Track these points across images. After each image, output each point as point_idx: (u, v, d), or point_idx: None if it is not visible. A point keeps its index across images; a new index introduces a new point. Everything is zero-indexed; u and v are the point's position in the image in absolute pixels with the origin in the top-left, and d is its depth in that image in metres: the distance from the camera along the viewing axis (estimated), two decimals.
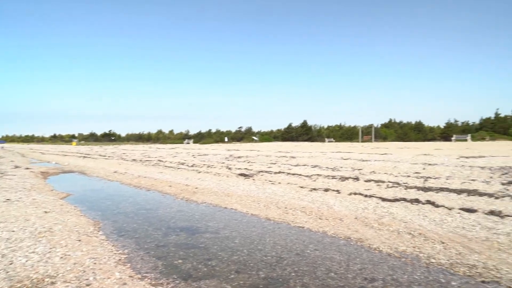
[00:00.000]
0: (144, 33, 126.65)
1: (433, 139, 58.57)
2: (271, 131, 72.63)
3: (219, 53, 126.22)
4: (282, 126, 70.53)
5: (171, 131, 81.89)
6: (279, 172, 10.37)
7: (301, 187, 7.98)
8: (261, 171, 10.87)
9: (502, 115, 58.72)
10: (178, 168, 13.52)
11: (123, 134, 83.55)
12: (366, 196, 6.57)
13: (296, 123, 68.93)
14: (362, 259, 3.71)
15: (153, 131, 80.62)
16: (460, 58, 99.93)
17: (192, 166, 13.99)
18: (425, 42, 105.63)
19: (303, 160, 12.62)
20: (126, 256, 3.83)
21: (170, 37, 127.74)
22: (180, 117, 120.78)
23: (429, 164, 9.20)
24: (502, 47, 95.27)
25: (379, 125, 67.97)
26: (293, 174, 9.79)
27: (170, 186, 9.13)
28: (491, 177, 7.07)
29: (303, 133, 64.82)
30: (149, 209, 6.62)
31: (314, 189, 7.62)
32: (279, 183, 8.76)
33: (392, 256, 3.75)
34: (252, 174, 10.56)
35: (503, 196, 5.71)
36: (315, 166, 10.86)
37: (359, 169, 9.55)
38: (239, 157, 15.99)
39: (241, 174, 10.67)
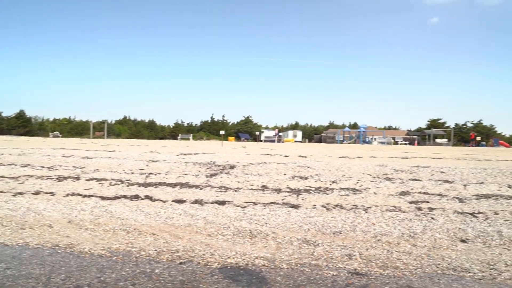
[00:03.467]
0: None
1: (163, 137, 63.66)
2: None
3: None
4: None
5: None
6: None
7: (1, 192, 6.46)
8: None
9: (216, 119, 71.97)
10: None
11: None
12: (85, 196, 6.15)
13: (10, 112, 56.27)
14: (69, 267, 3.37)
15: None
16: (176, 69, 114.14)
17: None
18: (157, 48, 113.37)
19: (9, 158, 10.32)
20: None
21: None
22: None
23: (153, 161, 9.81)
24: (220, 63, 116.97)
25: (114, 122, 66.61)
26: None
27: None
28: (199, 171, 8.39)
29: (20, 125, 53.81)
30: None
31: (20, 193, 6.35)
32: None
33: (104, 257, 3.64)
34: None
35: (205, 187, 6.88)
36: (26, 165, 9.12)
37: (82, 168, 8.85)
38: None
39: None
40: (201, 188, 6.79)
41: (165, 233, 4.36)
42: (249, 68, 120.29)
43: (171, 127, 70.49)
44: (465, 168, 8.94)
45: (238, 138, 62.71)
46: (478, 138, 55.02)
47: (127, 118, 71.45)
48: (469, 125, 63.61)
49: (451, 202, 5.90)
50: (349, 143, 54.05)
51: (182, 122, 72.08)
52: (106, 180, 7.48)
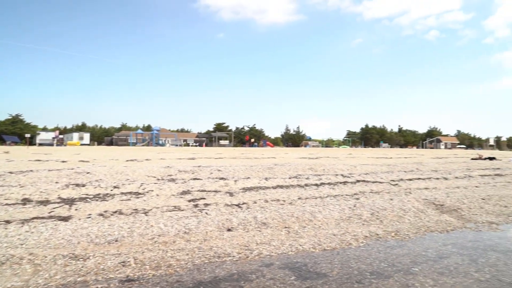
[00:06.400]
0: None
1: None
2: None
3: None
4: None
5: None
6: None
7: None
8: None
9: None
10: None
11: None
12: None
13: None
14: None
15: None
16: None
17: None
18: None
19: None
20: None
21: None
22: None
23: None
24: None
25: None
26: None
27: None
28: None
29: None
30: None
31: None
32: None
33: None
34: None
35: None
36: None
37: None
38: None
39: None
40: None
41: None
42: (18, 56, 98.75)
43: None
44: (238, 166, 10.41)
45: (2, 142, 50.27)
46: (252, 140, 65.78)
47: None
48: (246, 128, 75.00)
49: (223, 196, 6.68)
50: (143, 145, 53.16)
51: None
52: None
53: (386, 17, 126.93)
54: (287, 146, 68.11)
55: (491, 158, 19.15)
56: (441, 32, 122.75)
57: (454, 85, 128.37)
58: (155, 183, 7.37)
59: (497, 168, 13.84)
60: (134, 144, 55.61)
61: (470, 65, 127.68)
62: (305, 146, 66.79)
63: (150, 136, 57.97)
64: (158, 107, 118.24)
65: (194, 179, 8.05)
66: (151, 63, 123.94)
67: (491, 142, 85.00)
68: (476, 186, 9.44)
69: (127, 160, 12.44)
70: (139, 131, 64.92)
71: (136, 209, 5.49)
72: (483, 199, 7.70)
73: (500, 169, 13.55)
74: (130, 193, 6.51)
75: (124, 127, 76.66)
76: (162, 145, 56.08)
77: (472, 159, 19.48)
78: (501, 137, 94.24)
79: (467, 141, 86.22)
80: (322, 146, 68.87)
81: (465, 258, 4.04)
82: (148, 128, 73.13)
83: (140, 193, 6.52)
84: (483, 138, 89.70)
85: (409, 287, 3.19)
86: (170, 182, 7.57)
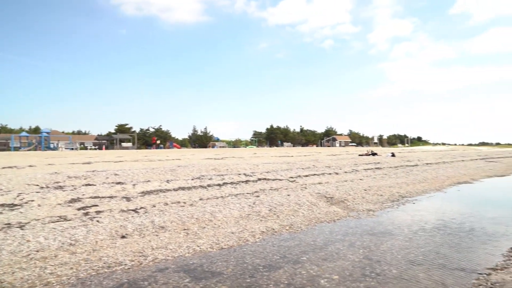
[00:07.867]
0: None
1: None
2: None
3: None
4: None
5: None
6: None
7: None
8: None
9: None
10: None
11: None
12: None
13: None
14: None
15: None
16: None
17: None
18: None
19: None
20: None
21: None
22: None
23: None
24: None
25: None
26: None
27: None
28: None
29: None
30: None
31: None
32: None
33: None
34: None
35: None
36: None
37: None
38: None
39: None
40: None
41: None
42: None
43: None
44: (138, 169, 9.86)
45: None
46: (158, 141, 63.23)
47: None
48: (152, 130, 71.67)
49: (119, 202, 6.25)
50: (29, 149, 46.54)
51: None
52: None
53: (289, 24, 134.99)
54: (194, 147, 67.26)
55: (373, 154, 21.93)
56: (335, 42, 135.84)
57: (346, 89, 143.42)
58: (37, 192, 6.50)
59: (378, 163, 15.92)
60: (18, 148, 48.33)
61: (359, 73, 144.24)
62: (213, 147, 66.89)
63: (38, 140, 51.05)
64: (48, 107, 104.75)
65: (87, 185, 7.34)
66: (39, 58, 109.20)
67: (375, 140, 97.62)
68: (361, 179, 10.69)
69: (3, 168, 10.73)
70: (24, 133, 56.64)
71: (9, 224, 4.75)
72: (365, 190, 8.76)
73: (379, 163, 15.61)
74: (2, 205, 5.61)
75: (3, 129, 65.95)
76: (54, 149, 49.95)
77: (360, 155, 22.03)
78: (383, 135, 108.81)
79: (357, 139, 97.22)
80: (230, 147, 69.89)
81: (345, 243, 4.53)
82: (36, 131, 64.29)
83: (16, 205, 5.67)
84: (370, 136, 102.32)
85: (297, 275, 3.43)
86: (56, 190, 6.77)
